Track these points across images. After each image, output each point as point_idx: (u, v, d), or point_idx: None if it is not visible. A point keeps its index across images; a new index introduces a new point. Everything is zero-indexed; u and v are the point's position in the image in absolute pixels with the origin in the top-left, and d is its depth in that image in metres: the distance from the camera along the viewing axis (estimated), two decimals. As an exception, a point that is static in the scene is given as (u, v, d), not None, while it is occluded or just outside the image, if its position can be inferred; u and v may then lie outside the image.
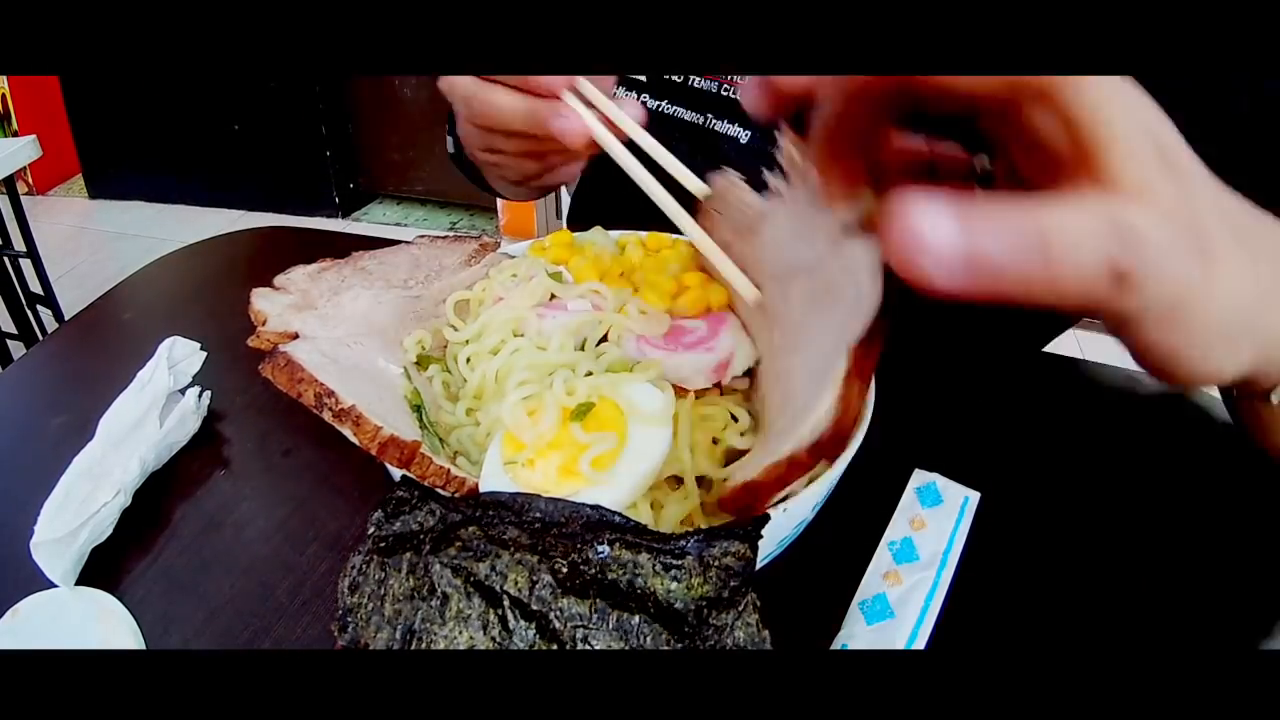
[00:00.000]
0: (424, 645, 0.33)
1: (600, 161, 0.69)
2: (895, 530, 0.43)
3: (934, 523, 0.43)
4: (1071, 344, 2.04)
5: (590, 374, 0.44)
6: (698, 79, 0.65)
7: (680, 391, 0.45)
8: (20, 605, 0.44)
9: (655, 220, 0.58)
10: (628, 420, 0.42)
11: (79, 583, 0.46)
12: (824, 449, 0.33)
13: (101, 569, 0.47)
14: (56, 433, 0.58)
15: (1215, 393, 0.58)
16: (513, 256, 0.57)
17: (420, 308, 0.54)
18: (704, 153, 0.65)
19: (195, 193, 3.09)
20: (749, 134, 0.64)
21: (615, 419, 0.41)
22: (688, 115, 0.66)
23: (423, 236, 0.61)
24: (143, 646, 0.43)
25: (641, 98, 0.68)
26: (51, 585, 0.45)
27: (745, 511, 0.35)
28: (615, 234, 0.58)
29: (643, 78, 0.67)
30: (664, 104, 0.67)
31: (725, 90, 0.65)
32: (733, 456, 0.44)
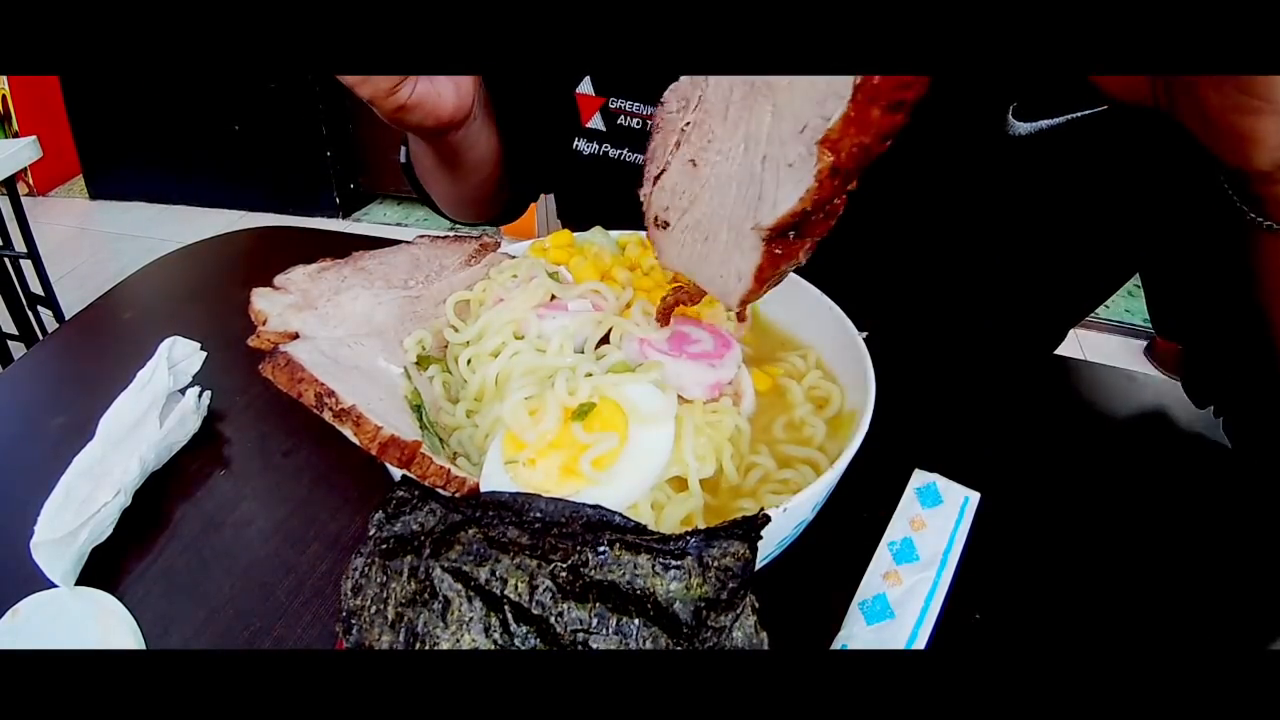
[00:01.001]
0: (427, 649, 0.33)
1: (585, 163, 0.70)
2: (895, 530, 0.42)
3: (934, 523, 0.43)
4: (1072, 344, 2.04)
5: (590, 375, 0.44)
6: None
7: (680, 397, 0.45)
8: (20, 605, 0.44)
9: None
10: (629, 420, 0.42)
11: (79, 583, 0.46)
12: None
13: (101, 569, 0.47)
14: (56, 433, 0.58)
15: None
16: (513, 257, 0.57)
17: (420, 308, 0.54)
18: None
19: (195, 193, 3.09)
20: None
21: (617, 419, 0.41)
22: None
23: (423, 236, 0.61)
24: (143, 646, 0.43)
25: (603, 148, 0.70)
26: (52, 585, 0.45)
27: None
28: (615, 234, 0.58)
29: (603, 127, 0.70)
30: (625, 152, 0.69)
31: None
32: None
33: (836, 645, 0.39)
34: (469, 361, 0.48)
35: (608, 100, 0.69)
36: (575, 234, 0.57)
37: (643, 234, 0.57)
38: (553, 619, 0.33)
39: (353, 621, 0.34)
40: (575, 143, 0.71)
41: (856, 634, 0.39)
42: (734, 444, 0.44)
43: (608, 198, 0.68)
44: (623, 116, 0.68)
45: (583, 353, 0.47)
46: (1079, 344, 2.05)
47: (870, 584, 0.41)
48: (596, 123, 0.70)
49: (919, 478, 0.45)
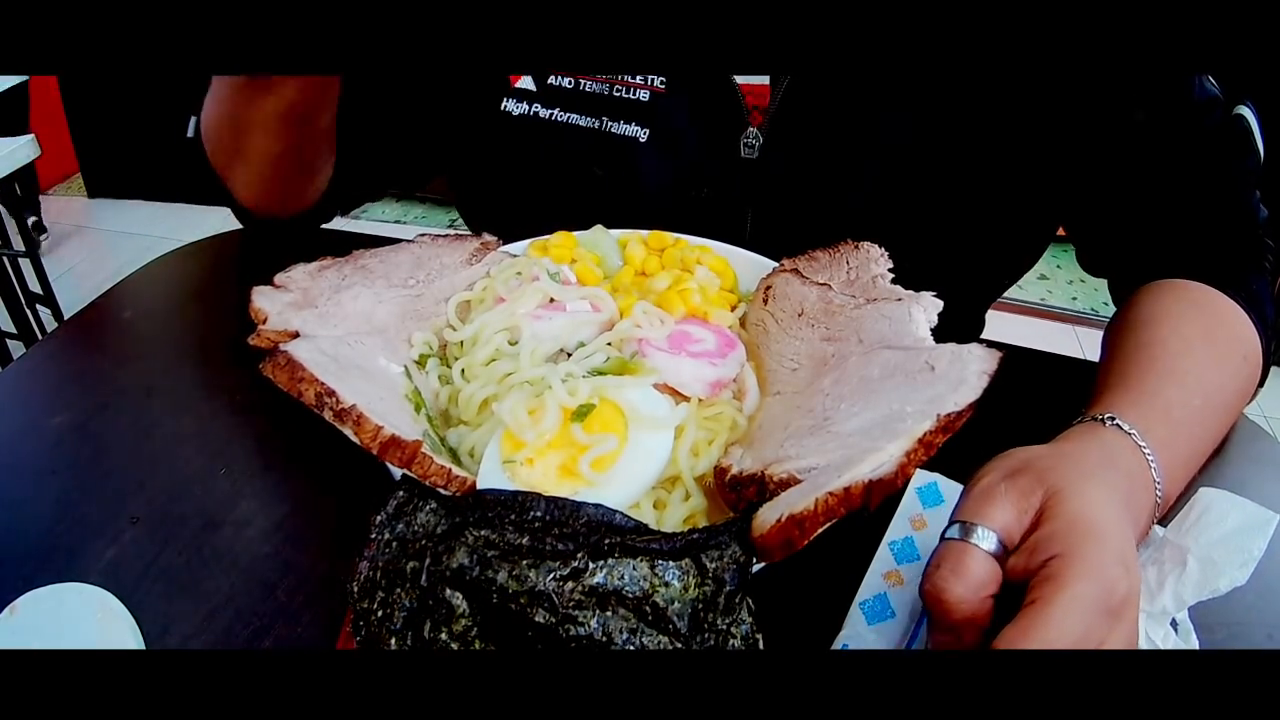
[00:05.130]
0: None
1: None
2: (896, 530, 0.42)
3: (935, 522, 0.42)
4: (1072, 344, 2.04)
5: (569, 376, 0.44)
6: (589, 84, 0.66)
7: (677, 395, 0.45)
8: (18, 602, 0.44)
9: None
10: (629, 424, 0.41)
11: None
12: (875, 490, 0.35)
13: (101, 568, 0.47)
14: (56, 432, 0.58)
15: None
16: (514, 255, 0.57)
17: (421, 306, 0.53)
18: (604, 155, 0.66)
19: (195, 192, 3.09)
20: (646, 133, 0.65)
21: (616, 421, 0.41)
22: (583, 121, 0.67)
23: (424, 235, 0.60)
24: (142, 646, 0.43)
25: (533, 109, 0.68)
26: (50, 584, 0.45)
27: (787, 546, 0.35)
28: (616, 233, 0.58)
29: (532, 87, 0.68)
30: (556, 112, 0.67)
31: (617, 91, 0.66)
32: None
33: (837, 645, 0.39)
34: (463, 372, 0.48)
35: None
36: (577, 234, 0.57)
37: (643, 233, 0.58)
38: (554, 624, 0.33)
39: (361, 624, 0.34)
40: (504, 104, 0.68)
41: (857, 634, 0.39)
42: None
43: (539, 158, 0.68)
44: (554, 76, 0.67)
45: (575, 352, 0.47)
46: (1079, 343, 2.05)
47: (871, 584, 0.40)
48: (526, 83, 0.68)
49: (920, 477, 0.45)
